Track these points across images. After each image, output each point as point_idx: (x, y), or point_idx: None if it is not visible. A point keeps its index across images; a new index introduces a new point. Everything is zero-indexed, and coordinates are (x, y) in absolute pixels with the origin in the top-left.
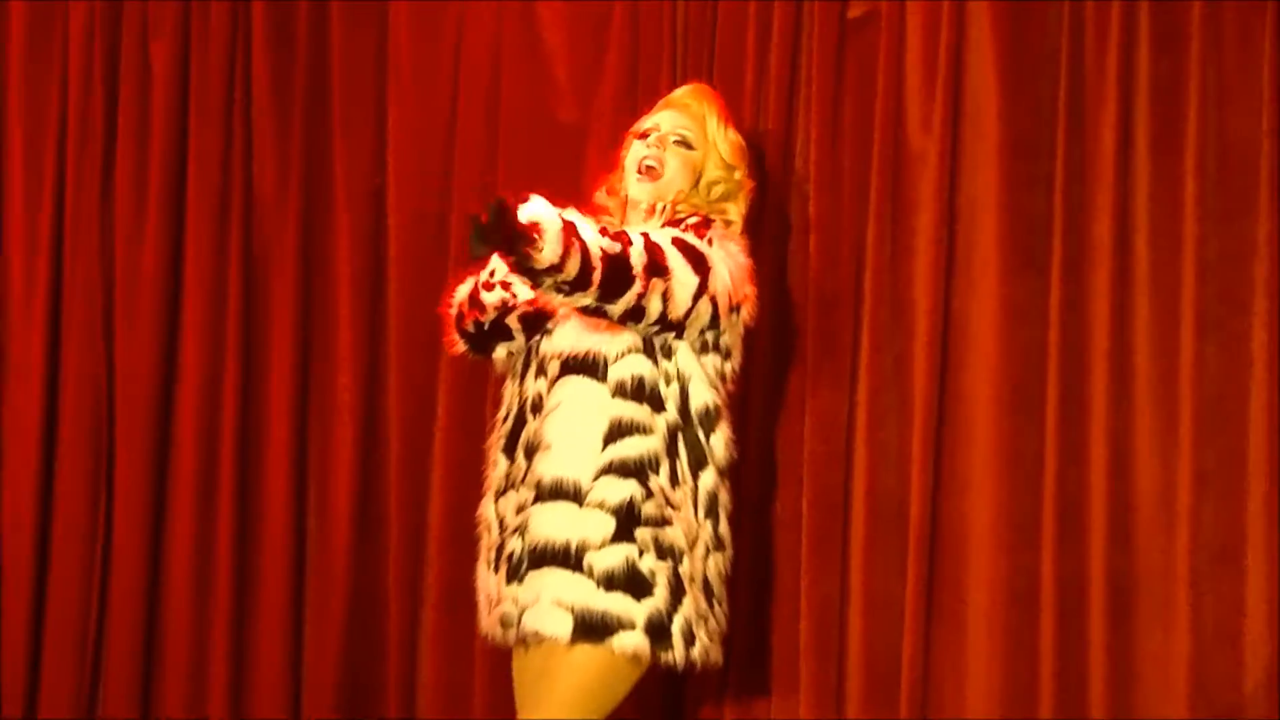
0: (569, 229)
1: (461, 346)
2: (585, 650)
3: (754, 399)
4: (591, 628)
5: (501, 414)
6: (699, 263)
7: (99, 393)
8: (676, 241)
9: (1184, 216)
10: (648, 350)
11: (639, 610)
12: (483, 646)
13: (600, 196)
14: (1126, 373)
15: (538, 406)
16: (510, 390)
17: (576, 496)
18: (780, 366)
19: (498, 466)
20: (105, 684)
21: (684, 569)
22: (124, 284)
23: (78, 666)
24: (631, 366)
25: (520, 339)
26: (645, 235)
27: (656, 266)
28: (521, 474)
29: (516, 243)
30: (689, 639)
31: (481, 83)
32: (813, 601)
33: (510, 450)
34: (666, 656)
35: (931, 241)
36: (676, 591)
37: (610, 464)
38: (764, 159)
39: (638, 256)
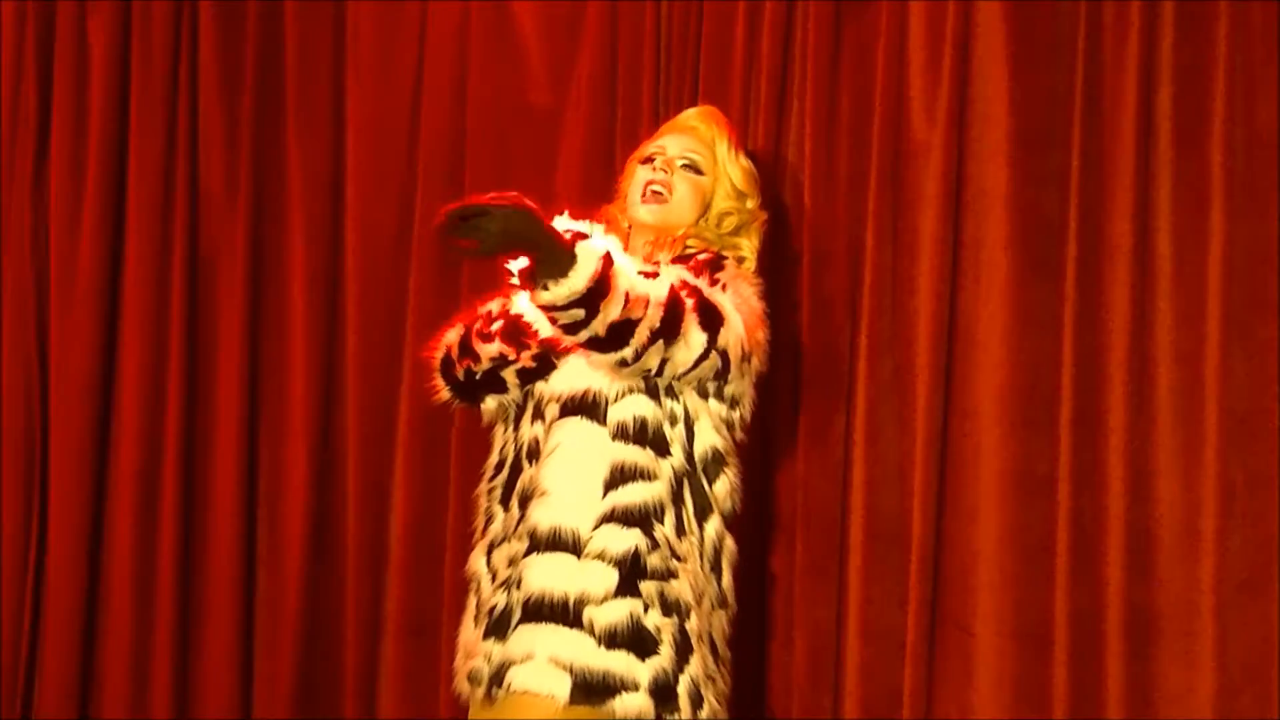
0: (606, 258)
1: (446, 394)
2: (581, 713)
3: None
4: (591, 689)
5: (493, 461)
6: (710, 318)
7: (31, 402)
8: (691, 292)
9: (1209, 214)
10: (650, 390)
11: (643, 670)
12: (448, 680)
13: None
14: (1146, 385)
15: (534, 453)
16: (503, 436)
17: (575, 547)
18: (770, 376)
19: (494, 519)
20: None
21: (690, 625)
22: (59, 282)
23: (8, 702)
24: (633, 407)
25: (514, 392)
26: (672, 286)
27: (671, 324)
28: (514, 524)
29: (546, 251)
30: (696, 701)
31: (447, 63)
32: (806, 630)
33: (506, 500)
34: (680, 715)
35: (935, 241)
36: (683, 650)
37: (611, 512)
38: (754, 149)
39: (654, 309)
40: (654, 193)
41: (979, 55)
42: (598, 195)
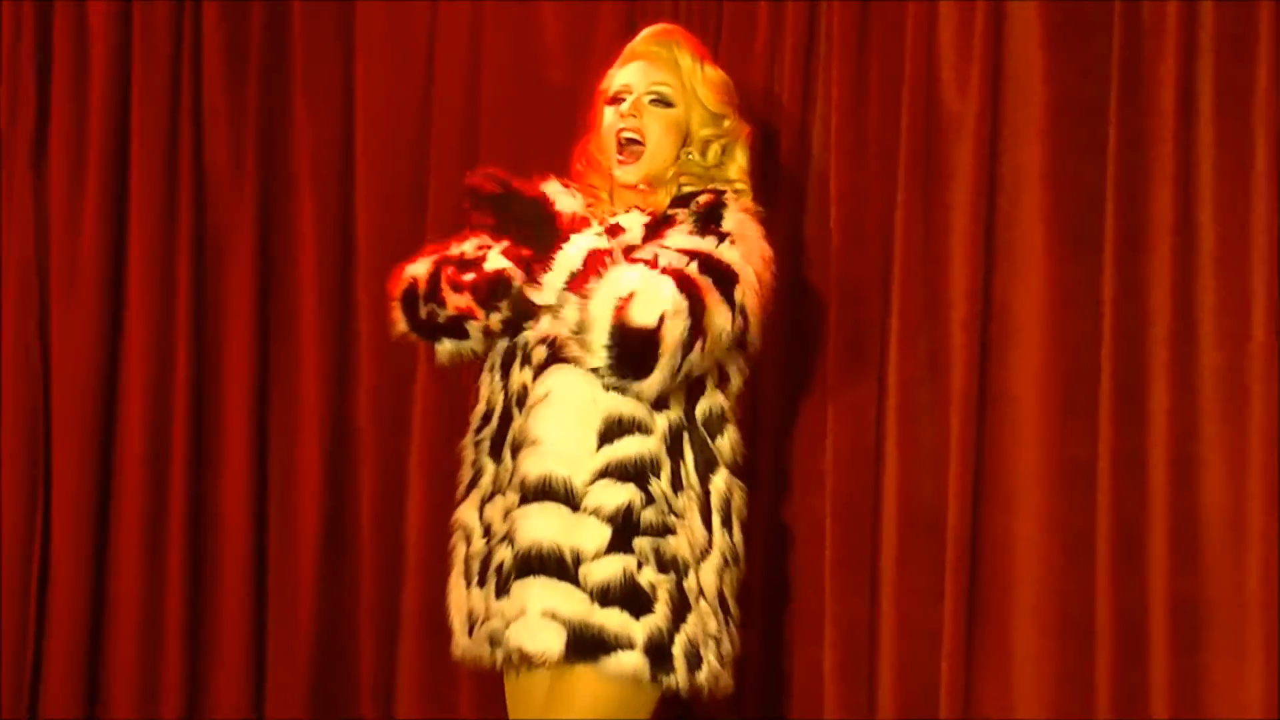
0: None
1: (403, 326)
2: (596, 680)
3: (768, 396)
4: (585, 645)
5: (480, 410)
6: (724, 281)
7: (34, 394)
8: (703, 263)
9: (1254, 187)
10: None
11: (637, 628)
12: (469, 678)
13: (581, 168)
14: (1190, 367)
15: (524, 400)
16: (490, 383)
17: (569, 499)
18: (798, 359)
19: (484, 470)
20: None
21: (688, 583)
22: (60, 270)
23: (13, 701)
24: None
25: (477, 344)
26: (674, 275)
27: (696, 322)
28: (508, 476)
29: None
30: (693, 661)
31: (461, 38)
32: (839, 624)
33: (497, 452)
34: (668, 680)
35: (969, 218)
36: (679, 608)
37: (607, 466)
38: (778, 124)
39: (674, 329)
40: (628, 142)
41: (1012, 24)
42: None
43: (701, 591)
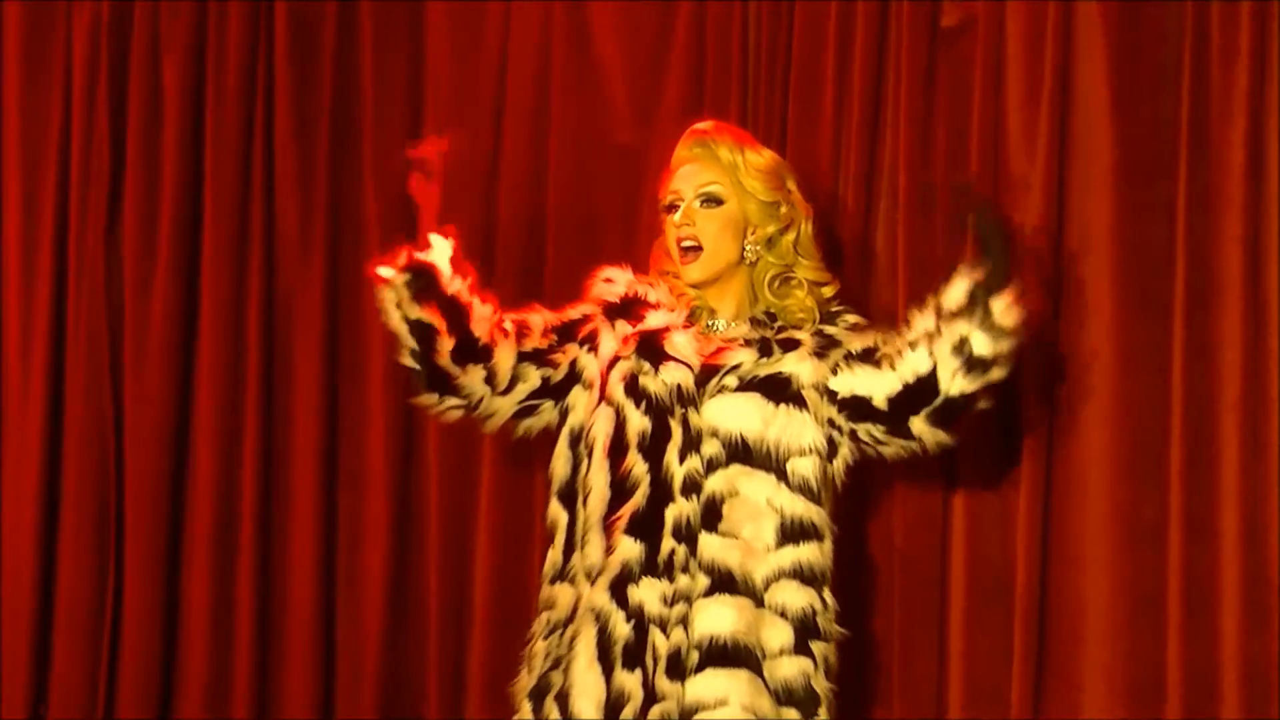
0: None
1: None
2: None
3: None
4: None
5: (602, 490)
6: None
7: (105, 453)
8: None
9: None
10: (829, 451)
11: None
12: None
13: (661, 270)
14: (1262, 429)
15: (693, 487)
16: (630, 465)
17: (751, 594)
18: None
19: (616, 550)
20: None
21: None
22: (132, 332)
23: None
24: (809, 465)
25: (549, 415)
26: None
27: None
28: (682, 560)
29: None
30: None
31: (529, 101)
32: (907, 687)
33: (644, 532)
34: None
35: (1037, 280)
36: (833, 715)
37: (789, 568)
38: (846, 191)
39: None
40: (687, 250)
41: (1080, 83)
42: None
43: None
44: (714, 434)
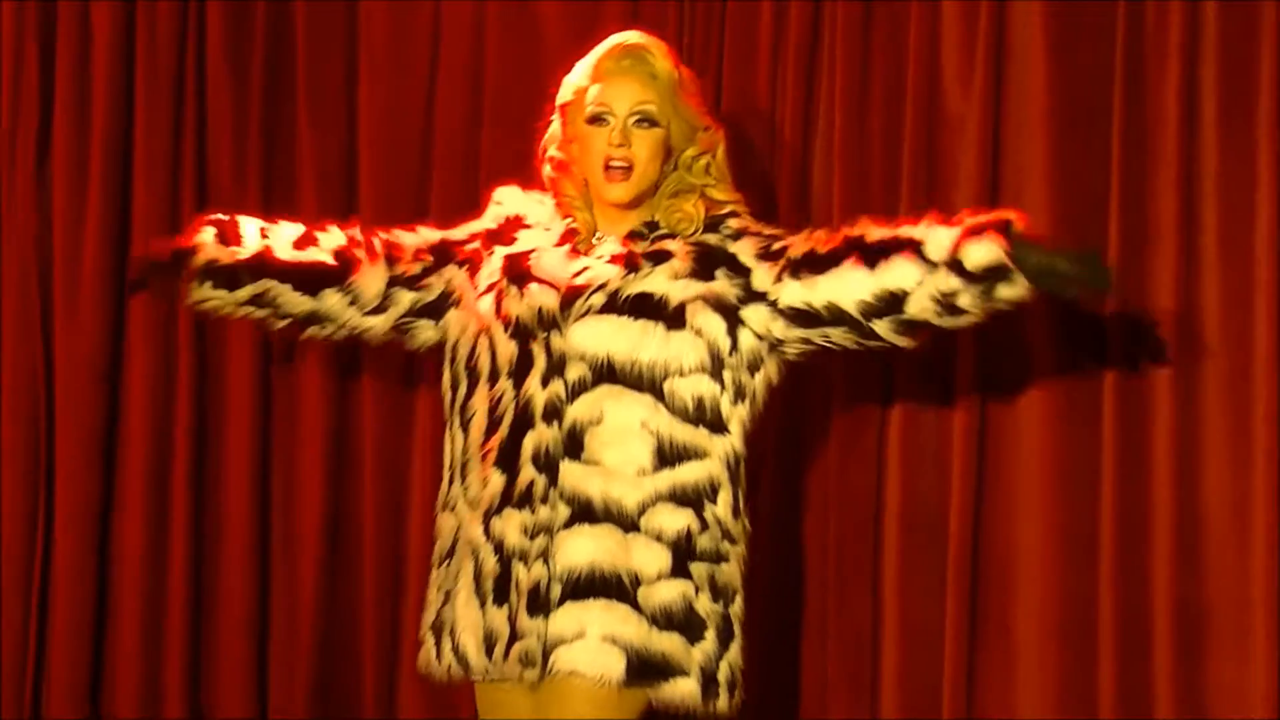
0: None
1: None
2: (628, 698)
3: (771, 401)
4: (645, 669)
5: (481, 418)
6: None
7: (36, 395)
8: None
9: (1258, 188)
10: (714, 368)
11: (693, 654)
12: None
13: (553, 176)
14: (1194, 368)
15: (555, 414)
16: (492, 391)
17: (623, 521)
18: (800, 364)
19: (488, 482)
20: None
21: (734, 610)
22: (63, 276)
23: (15, 701)
24: (694, 386)
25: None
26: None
27: None
28: (542, 491)
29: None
30: (732, 687)
31: (463, 50)
32: (841, 627)
33: (509, 463)
34: (715, 705)
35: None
36: (725, 635)
37: (666, 491)
38: (783, 125)
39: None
40: (617, 169)
41: (1015, 26)
42: None
43: (741, 617)
44: (580, 357)
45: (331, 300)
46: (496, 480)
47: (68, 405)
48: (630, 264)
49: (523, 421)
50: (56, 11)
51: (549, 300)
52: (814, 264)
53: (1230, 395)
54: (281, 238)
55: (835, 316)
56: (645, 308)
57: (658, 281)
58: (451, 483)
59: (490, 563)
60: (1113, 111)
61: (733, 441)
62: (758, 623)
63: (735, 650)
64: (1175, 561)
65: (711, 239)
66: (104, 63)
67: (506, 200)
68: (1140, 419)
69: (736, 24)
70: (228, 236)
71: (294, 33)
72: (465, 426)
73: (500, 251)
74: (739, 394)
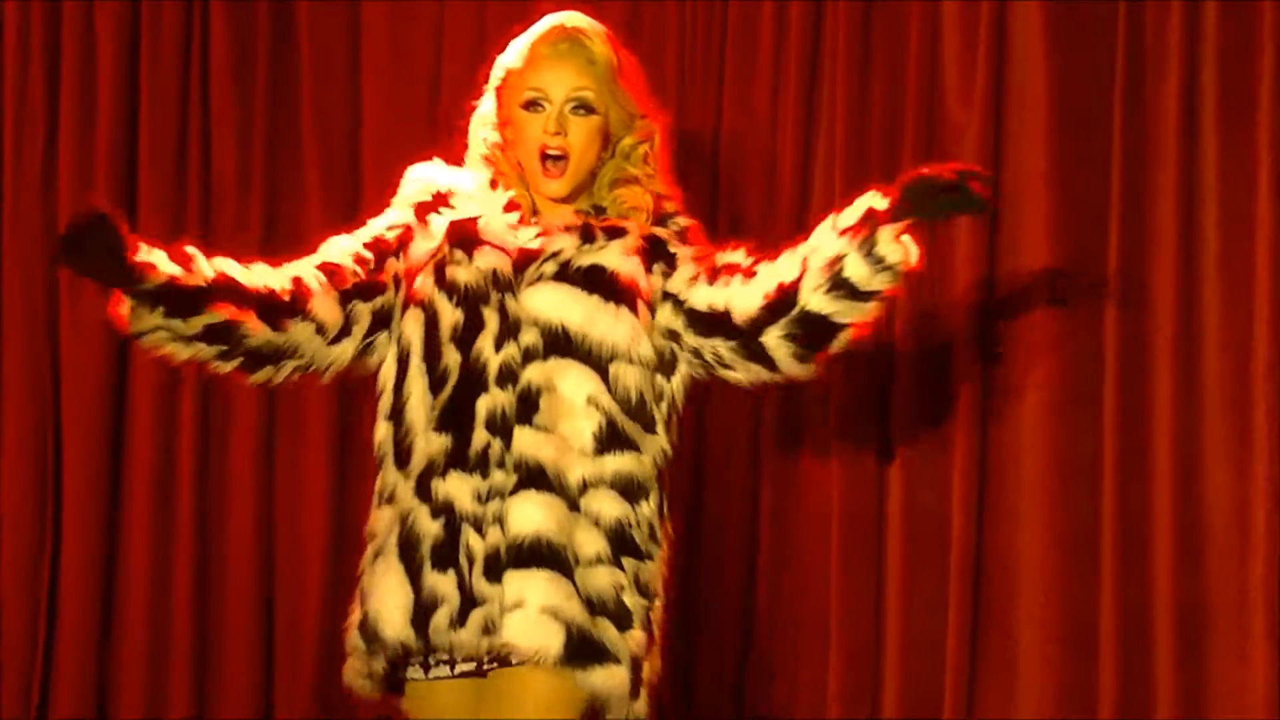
0: None
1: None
2: (570, 688)
3: (769, 413)
4: (583, 650)
5: (420, 392)
6: None
7: (43, 403)
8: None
9: (1257, 196)
10: (658, 363)
11: (626, 643)
12: None
13: (491, 156)
14: (1194, 372)
15: (509, 377)
16: (441, 358)
17: (567, 497)
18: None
19: (425, 443)
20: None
21: (654, 611)
22: (69, 281)
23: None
24: (632, 375)
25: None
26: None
27: None
28: (498, 455)
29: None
30: (650, 688)
31: (466, 51)
32: (844, 633)
33: (451, 424)
34: (635, 705)
35: (972, 226)
36: (649, 633)
37: (609, 476)
38: (784, 131)
39: None
40: (554, 159)
41: (1015, 33)
42: None
43: (660, 623)
44: (534, 323)
45: (296, 330)
46: (437, 442)
47: (74, 410)
48: (586, 235)
49: (472, 384)
50: (61, 15)
51: (502, 263)
52: (729, 271)
53: (1230, 398)
54: (229, 264)
55: (724, 324)
56: (598, 282)
57: (611, 256)
58: (386, 471)
59: (429, 526)
60: (1113, 118)
61: (660, 443)
62: (758, 625)
63: (655, 652)
64: (1176, 564)
65: (661, 232)
66: (109, 67)
67: (429, 175)
68: (1141, 422)
69: (737, 31)
70: (176, 258)
71: (298, 36)
72: (402, 409)
73: (437, 220)
74: (658, 395)
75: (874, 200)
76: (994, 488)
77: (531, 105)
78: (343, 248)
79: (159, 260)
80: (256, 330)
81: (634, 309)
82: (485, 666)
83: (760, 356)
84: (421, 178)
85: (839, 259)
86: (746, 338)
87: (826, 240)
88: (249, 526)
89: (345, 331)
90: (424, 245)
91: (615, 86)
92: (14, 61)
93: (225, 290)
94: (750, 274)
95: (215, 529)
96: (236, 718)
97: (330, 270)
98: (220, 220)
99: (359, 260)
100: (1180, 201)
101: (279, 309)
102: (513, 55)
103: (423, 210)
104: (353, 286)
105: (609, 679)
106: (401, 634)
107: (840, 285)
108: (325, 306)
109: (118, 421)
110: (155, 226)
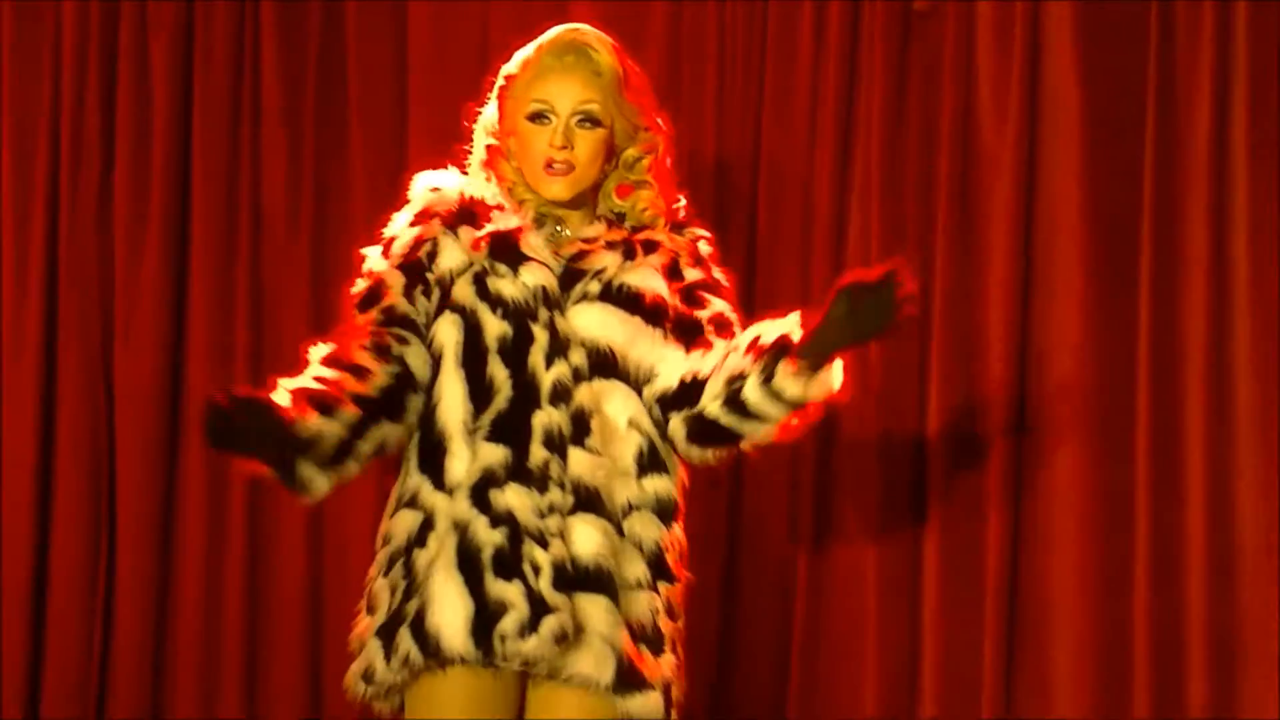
0: None
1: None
2: (609, 711)
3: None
4: (628, 679)
5: (457, 400)
6: None
7: (98, 423)
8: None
9: None
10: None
11: (660, 668)
12: None
13: (482, 160)
14: (1226, 398)
15: (561, 396)
16: (488, 370)
17: (614, 520)
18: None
19: (477, 456)
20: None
21: (680, 635)
22: (124, 305)
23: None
24: (633, 405)
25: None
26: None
27: None
28: (557, 474)
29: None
30: (679, 708)
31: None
32: (882, 658)
33: (508, 437)
34: None
35: (1007, 252)
36: (677, 658)
37: (649, 499)
38: (821, 157)
39: None
40: (560, 167)
41: (1049, 60)
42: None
43: (683, 641)
44: (580, 343)
45: (412, 402)
46: (493, 453)
47: (128, 436)
48: (628, 251)
49: (525, 399)
50: (118, 50)
51: (549, 281)
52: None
53: (1262, 423)
54: (342, 379)
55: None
56: (639, 303)
57: (649, 276)
58: (409, 475)
59: (489, 535)
60: (1145, 143)
61: (680, 468)
62: (792, 649)
63: (682, 673)
64: (1208, 590)
65: (678, 242)
66: (163, 96)
67: (445, 185)
68: (1173, 448)
69: (776, 66)
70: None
71: (345, 61)
72: (432, 413)
73: (467, 233)
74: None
75: (792, 326)
76: (1028, 511)
77: (537, 117)
78: (382, 288)
79: (308, 417)
80: (390, 431)
81: (667, 330)
82: (533, 670)
83: (662, 430)
84: (440, 186)
85: (740, 377)
86: (659, 407)
87: (741, 349)
88: (299, 531)
89: (409, 376)
90: (455, 254)
91: (621, 99)
92: (70, 98)
93: (364, 404)
94: (707, 345)
95: (266, 533)
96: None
97: (359, 373)
98: (269, 252)
99: (376, 335)
100: (1211, 226)
101: (395, 393)
102: (518, 64)
103: (450, 220)
104: (414, 322)
105: (645, 704)
106: (462, 646)
107: (737, 404)
108: (415, 360)
109: (171, 431)
110: (209, 250)
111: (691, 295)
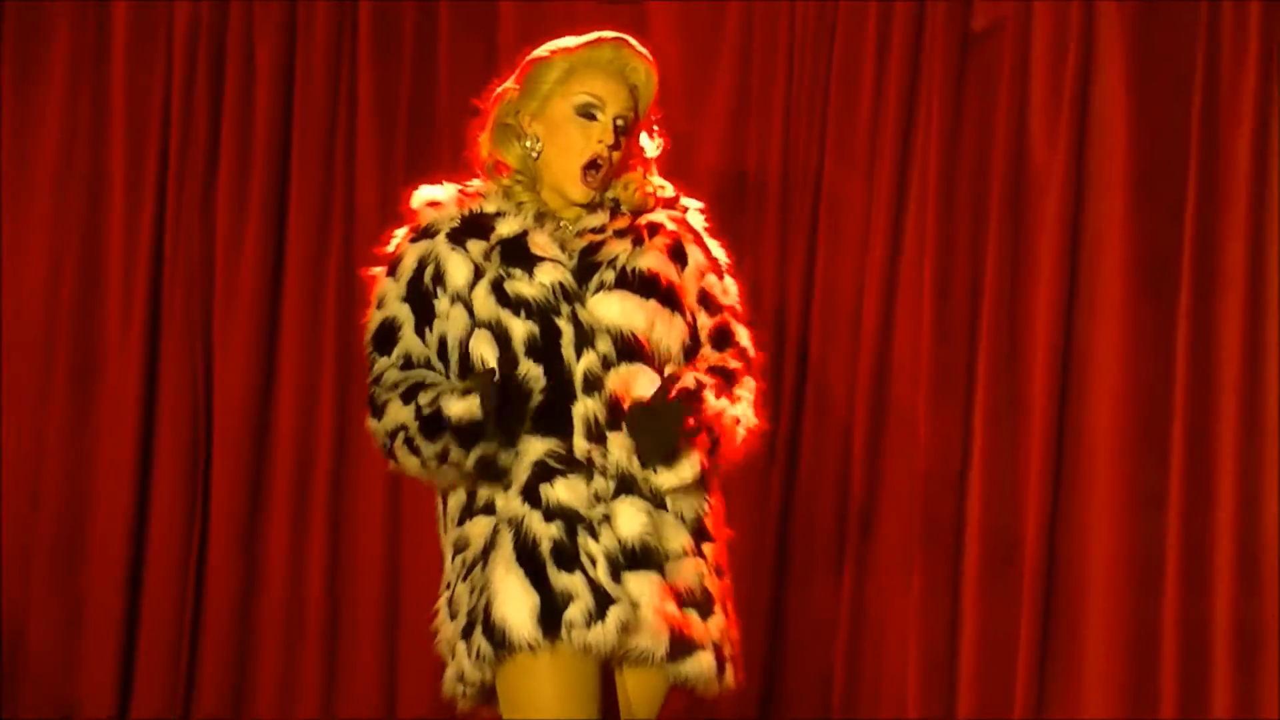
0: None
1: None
2: (664, 679)
3: (860, 430)
4: (681, 645)
5: (488, 384)
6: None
7: (196, 403)
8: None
9: None
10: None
11: (709, 629)
12: None
13: (491, 142)
14: (1258, 407)
15: (594, 385)
16: (524, 369)
17: (655, 499)
18: (888, 397)
19: (528, 450)
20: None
21: (727, 590)
22: (223, 294)
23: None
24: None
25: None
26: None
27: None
28: (600, 461)
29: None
30: (735, 661)
31: None
32: (921, 641)
33: (550, 430)
34: (724, 680)
35: (1054, 266)
36: (726, 612)
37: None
38: (880, 175)
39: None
40: (595, 169)
41: (1099, 86)
42: (728, 216)
43: (732, 595)
44: (605, 331)
45: None
46: (539, 446)
47: (224, 421)
48: (636, 238)
49: (561, 392)
50: (225, 54)
51: (564, 276)
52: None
53: None
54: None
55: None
56: (654, 287)
57: (656, 258)
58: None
59: (544, 528)
60: (1188, 166)
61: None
62: (840, 630)
63: (732, 626)
64: (1237, 585)
65: (674, 214)
66: (265, 97)
67: (443, 198)
68: (1207, 452)
69: (840, 83)
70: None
71: (438, 69)
72: None
73: (476, 243)
74: None
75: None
76: (1066, 509)
77: (587, 111)
78: (405, 331)
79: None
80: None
81: (681, 311)
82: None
83: None
84: (438, 200)
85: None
86: None
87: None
88: (379, 532)
89: None
90: (463, 269)
91: (646, 111)
92: (179, 99)
93: None
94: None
95: (347, 534)
96: (361, 717)
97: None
98: (361, 252)
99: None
100: (1248, 245)
101: None
102: (568, 58)
103: (456, 235)
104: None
105: (697, 665)
106: (530, 634)
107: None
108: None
109: (262, 430)
110: (304, 244)
111: (705, 298)
